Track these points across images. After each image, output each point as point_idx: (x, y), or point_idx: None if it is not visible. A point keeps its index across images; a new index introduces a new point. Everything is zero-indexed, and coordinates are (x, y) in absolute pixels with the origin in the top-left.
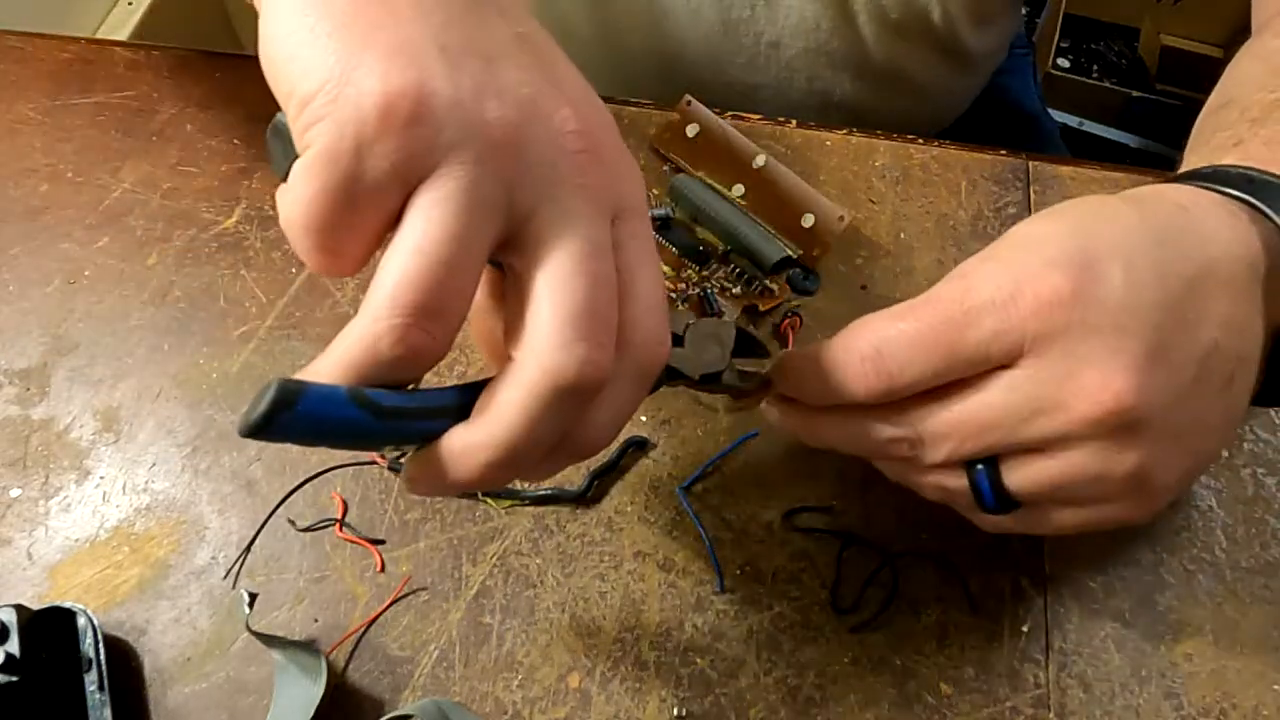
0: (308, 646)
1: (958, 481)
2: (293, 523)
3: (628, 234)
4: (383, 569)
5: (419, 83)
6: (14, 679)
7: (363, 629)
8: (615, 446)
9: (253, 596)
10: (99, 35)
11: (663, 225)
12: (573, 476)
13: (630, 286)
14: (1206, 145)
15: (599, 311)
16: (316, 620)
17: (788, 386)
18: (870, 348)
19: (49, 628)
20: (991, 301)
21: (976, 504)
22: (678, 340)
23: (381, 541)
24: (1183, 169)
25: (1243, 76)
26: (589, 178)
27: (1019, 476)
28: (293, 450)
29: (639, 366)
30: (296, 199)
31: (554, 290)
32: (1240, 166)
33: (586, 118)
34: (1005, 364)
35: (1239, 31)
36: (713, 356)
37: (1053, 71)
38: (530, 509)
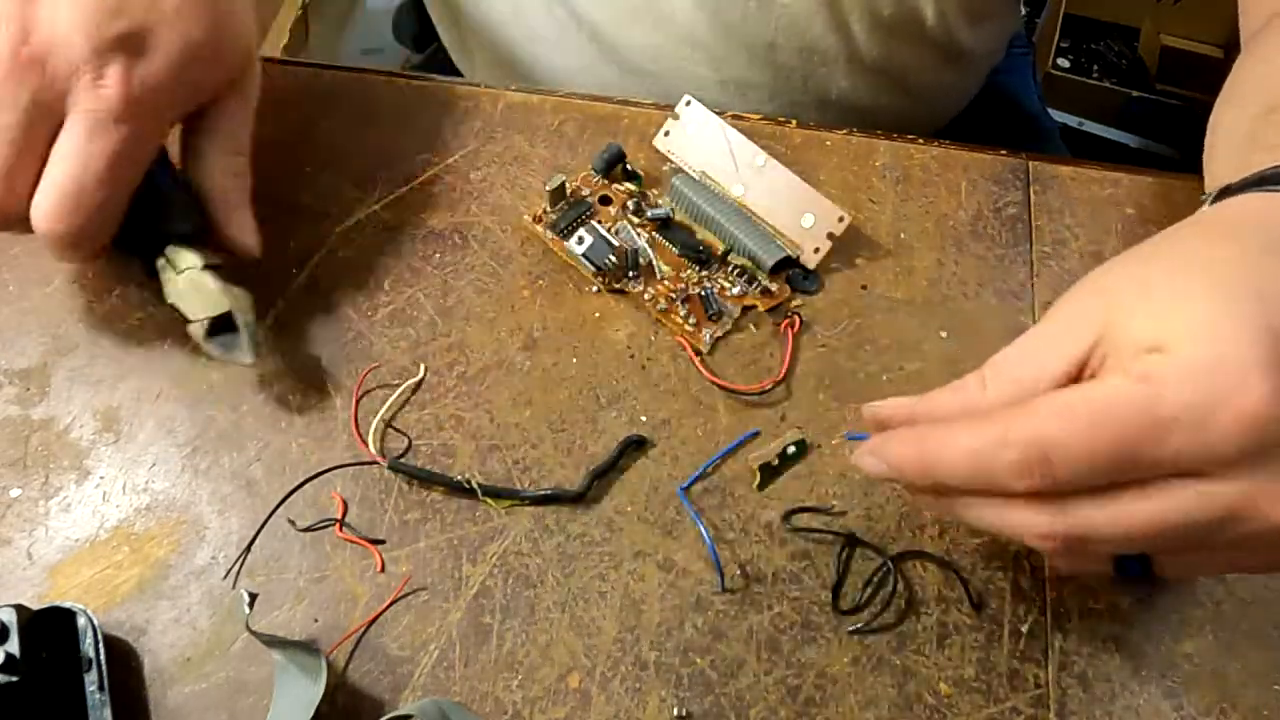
0: (308, 646)
1: (1098, 564)
2: (293, 523)
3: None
4: (383, 569)
5: None
6: (14, 679)
7: (363, 629)
8: (615, 446)
9: (253, 596)
10: None
11: (663, 225)
12: (573, 476)
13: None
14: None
15: None
16: (316, 620)
17: (916, 462)
18: (1037, 449)
19: (49, 628)
20: (1183, 418)
21: (1112, 570)
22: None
23: (381, 541)
24: (1237, 174)
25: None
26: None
27: (1176, 567)
28: (293, 450)
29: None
30: None
31: None
32: None
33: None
34: (1189, 472)
35: (1239, 32)
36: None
37: (1053, 71)
38: (530, 509)
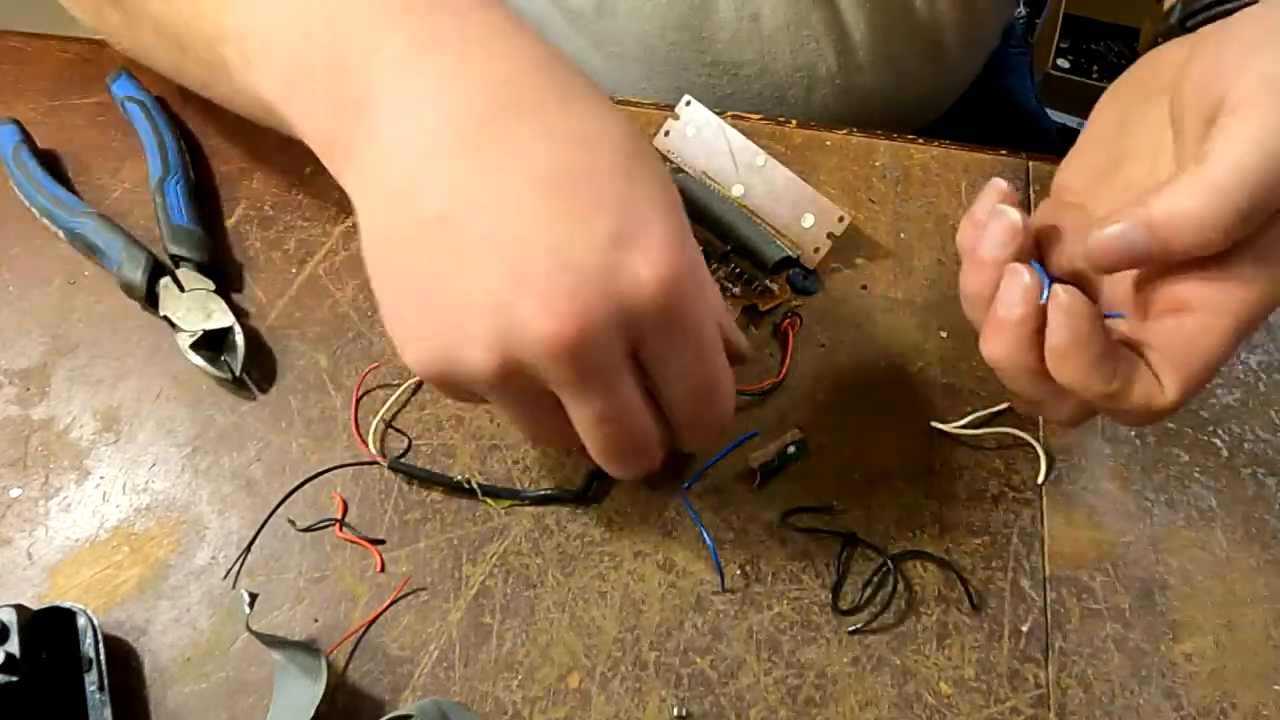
0: (308, 646)
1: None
2: (293, 523)
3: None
4: (383, 569)
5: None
6: (14, 679)
7: (363, 629)
8: None
9: (253, 596)
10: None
11: None
12: (573, 476)
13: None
14: None
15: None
16: (316, 620)
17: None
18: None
19: (49, 628)
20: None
21: None
22: None
23: (381, 541)
24: None
25: None
26: None
27: None
28: (293, 450)
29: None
30: None
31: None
32: None
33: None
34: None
35: None
36: None
37: (1052, 72)
38: (530, 509)
